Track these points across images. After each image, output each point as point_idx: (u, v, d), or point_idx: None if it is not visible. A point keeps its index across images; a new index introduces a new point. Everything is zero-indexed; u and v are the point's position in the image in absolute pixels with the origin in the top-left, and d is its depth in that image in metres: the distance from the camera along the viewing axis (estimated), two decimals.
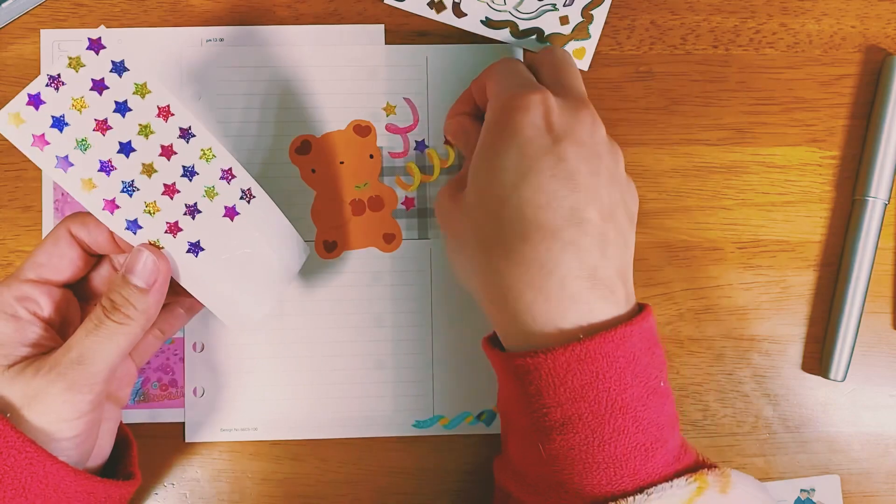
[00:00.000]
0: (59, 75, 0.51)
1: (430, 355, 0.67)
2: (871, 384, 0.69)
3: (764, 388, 0.68)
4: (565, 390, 0.51)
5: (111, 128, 0.52)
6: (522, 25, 0.68)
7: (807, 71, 0.69)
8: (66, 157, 0.51)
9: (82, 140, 0.51)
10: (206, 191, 0.54)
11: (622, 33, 0.68)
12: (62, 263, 0.56)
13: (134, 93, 0.52)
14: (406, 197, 0.68)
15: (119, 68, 0.52)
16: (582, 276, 0.52)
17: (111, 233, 0.55)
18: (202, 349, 0.66)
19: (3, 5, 0.65)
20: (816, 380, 0.68)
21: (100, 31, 0.52)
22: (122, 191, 0.52)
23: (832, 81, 0.69)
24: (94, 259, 0.58)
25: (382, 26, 0.68)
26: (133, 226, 0.53)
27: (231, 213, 0.55)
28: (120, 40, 0.53)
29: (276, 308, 0.66)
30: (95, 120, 0.52)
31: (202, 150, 0.54)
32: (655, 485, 0.51)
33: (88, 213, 0.54)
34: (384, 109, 0.67)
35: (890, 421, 0.69)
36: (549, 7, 0.68)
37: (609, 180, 0.55)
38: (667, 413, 0.54)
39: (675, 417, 0.55)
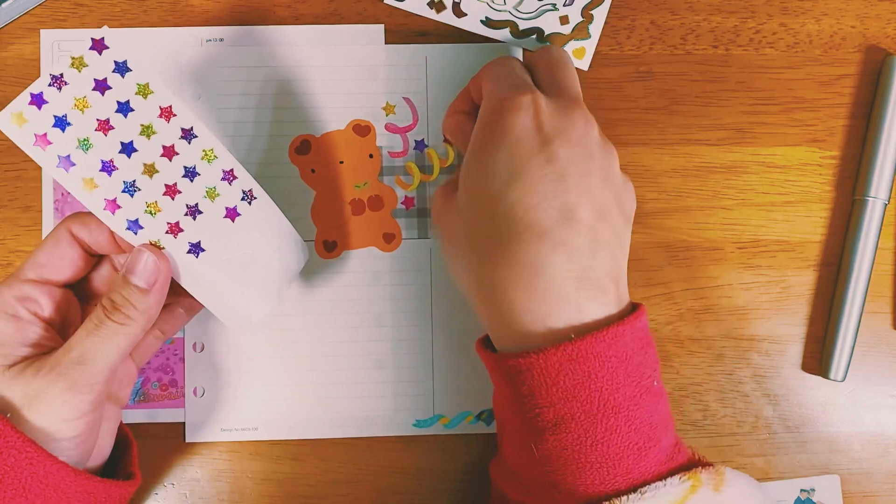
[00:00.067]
0: (61, 75, 0.51)
1: (430, 355, 0.67)
2: (871, 384, 0.69)
3: (764, 388, 0.68)
4: (557, 390, 0.51)
5: (113, 128, 0.52)
6: (522, 25, 0.68)
7: (807, 71, 0.69)
8: (68, 156, 0.51)
9: (84, 140, 0.51)
10: (207, 191, 0.54)
11: (622, 33, 0.68)
12: (63, 263, 0.56)
13: (136, 93, 0.52)
14: (406, 196, 0.68)
15: (122, 69, 0.52)
16: (571, 277, 0.52)
17: (112, 233, 0.55)
18: (202, 349, 0.66)
19: (3, 5, 0.65)
20: (816, 380, 0.69)
21: (103, 32, 0.52)
22: (124, 191, 0.52)
23: (832, 81, 0.69)
24: (94, 259, 0.58)
25: (382, 26, 0.68)
26: (134, 226, 0.53)
27: (232, 213, 0.55)
28: (122, 40, 0.53)
29: (277, 309, 0.66)
30: (97, 120, 0.52)
31: (204, 150, 0.54)
32: (649, 483, 0.51)
33: (89, 213, 0.54)
34: (384, 109, 0.67)
35: (890, 421, 0.69)
36: (549, 7, 0.68)
37: (602, 180, 0.55)
38: (660, 412, 0.54)
39: (668, 416, 0.55)
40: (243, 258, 0.56)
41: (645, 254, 0.68)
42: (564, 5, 0.68)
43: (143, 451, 0.63)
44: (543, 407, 0.52)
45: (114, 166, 0.52)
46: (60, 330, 0.56)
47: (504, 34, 0.68)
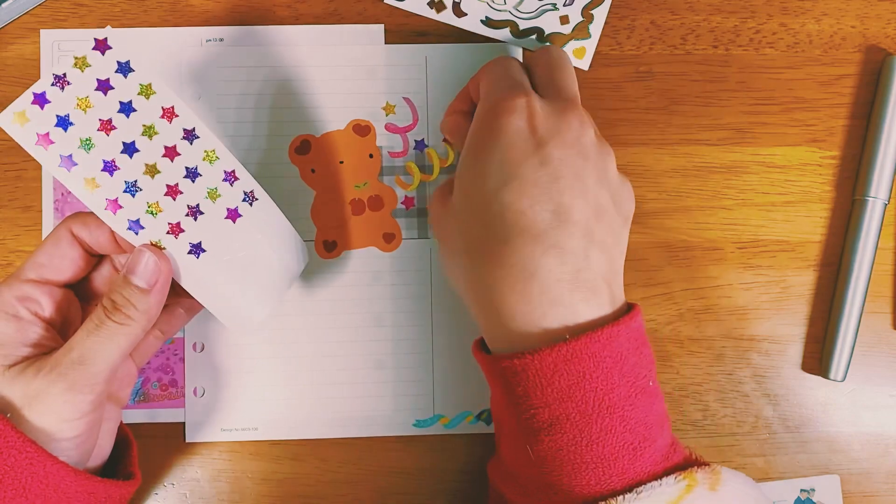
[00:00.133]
0: (64, 75, 0.51)
1: (430, 355, 0.67)
2: (871, 384, 0.69)
3: (764, 388, 0.68)
4: (552, 391, 0.51)
5: (115, 128, 0.52)
6: (522, 25, 0.68)
7: (807, 71, 0.69)
8: (70, 156, 0.51)
9: (86, 140, 0.51)
10: (208, 192, 0.54)
11: (622, 33, 0.68)
12: (63, 263, 0.56)
13: (139, 94, 0.52)
14: (406, 196, 0.68)
15: (124, 69, 0.52)
16: (563, 280, 0.52)
17: (112, 233, 0.55)
18: (202, 349, 0.66)
19: (3, 5, 0.65)
20: (816, 380, 0.69)
21: (106, 32, 0.52)
22: (125, 191, 0.52)
23: (832, 81, 0.69)
24: (95, 259, 0.58)
25: (382, 26, 0.68)
26: (135, 226, 0.53)
27: (233, 214, 0.55)
28: (124, 41, 0.53)
29: (277, 310, 0.66)
30: (100, 120, 0.51)
31: (206, 151, 0.54)
32: (644, 483, 0.51)
33: (90, 213, 0.54)
34: (384, 109, 0.67)
35: (890, 421, 0.69)
36: (550, 7, 0.68)
37: (597, 182, 0.55)
38: (655, 412, 0.54)
39: (664, 416, 0.55)
40: (244, 259, 0.56)
41: (645, 254, 0.68)
42: (564, 5, 0.68)
43: (143, 451, 0.63)
44: (538, 408, 0.52)
45: (115, 166, 0.52)
46: (61, 330, 0.56)
47: (504, 34, 0.68)
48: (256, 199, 0.56)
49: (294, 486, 0.67)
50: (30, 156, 0.51)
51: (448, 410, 0.67)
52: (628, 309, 0.55)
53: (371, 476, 0.67)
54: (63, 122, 0.51)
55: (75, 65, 0.51)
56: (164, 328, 0.61)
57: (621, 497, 0.50)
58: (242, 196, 0.56)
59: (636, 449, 0.52)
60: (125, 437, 0.61)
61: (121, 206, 0.52)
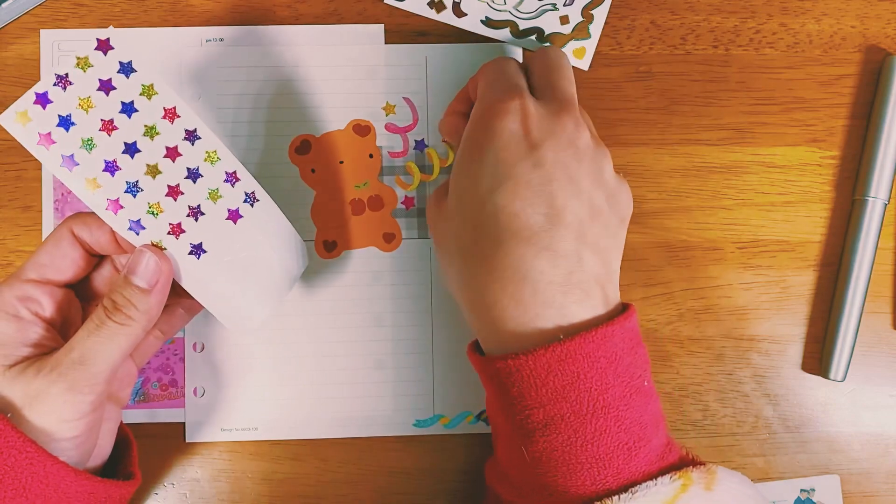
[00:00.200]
0: (66, 75, 0.51)
1: (430, 355, 0.67)
2: (871, 384, 0.69)
3: (764, 388, 0.68)
4: (547, 391, 0.52)
5: (117, 128, 0.52)
6: (522, 25, 0.68)
7: (807, 71, 0.69)
8: (72, 156, 0.51)
9: (88, 140, 0.51)
10: (209, 193, 0.54)
11: (622, 33, 0.68)
12: (64, 263, 0.56)
13: (140, 94, 0.52)
14: (406, 196, 0.68)
15: (126, 69, 0.52)
16: (555, 282, 0.52)
17: (113, 233, 0.55)
18: (202, 349, 0.66)
19: (3, 5, 0.65)
20: (816, 380, 0.69)
21: (108, 32, 0.52)
22: (126, 191, 0.52)
23: (832, 81, 0.69)
24: (95, 259, 0.58)
25: (382, 26, 0.68)
26: (136, 226, 0.53)
27: (234, 215, 0.55)
28: (126, 41, 0.53)
29: (277, 311, 0.66)
30: (102, 120, 0.51)
31: (207, 152, 0.54)
32: (639, 483, 0.52)
33: (90, 213, 0.54)
34: (384, 109, 0.67)
35: (890, 421, 0.69)
36: (550, 7, 0.68)
37: (592, 184, 0.55)
38: (650, 412, 0.54)
39: (659, 416, 0.55)
40: (245, 260, 0.56)
41: (645, 254, 0.68)
42: (564, 5, 0.68)
43: (143, 451, 0.63)
44: (533, 408, 0.52)
45: (117, 166, 0.52)
46: (61, 330, 0.56)
47: (504, 34, 0.68)
48: (258, 201, 0.56)
49: (294, 486, 0.67)
50: (30, 156, 0.51)
51: (448, 410, 0.67)
52: (623, 309, 0.55)
53: (371, 476, 0.67)
54: (65, 122, 0.51)
55: (77, 65, 0.51)
56: (164, 328, 0.61)
57: (616, 497, 0.51)
58: (243, 197, 0.56)
59: (631, 449, 0.52)
60: (125, 437, 0.61)
61: (122, 207, 0.52)
